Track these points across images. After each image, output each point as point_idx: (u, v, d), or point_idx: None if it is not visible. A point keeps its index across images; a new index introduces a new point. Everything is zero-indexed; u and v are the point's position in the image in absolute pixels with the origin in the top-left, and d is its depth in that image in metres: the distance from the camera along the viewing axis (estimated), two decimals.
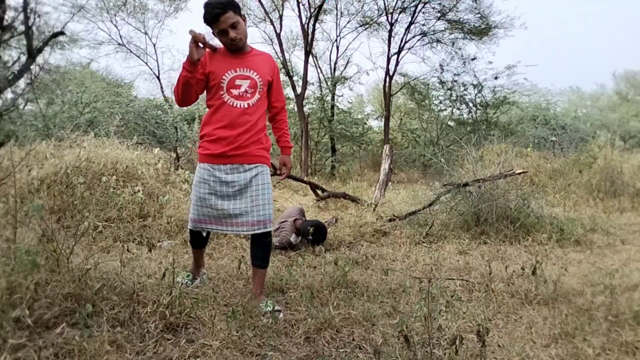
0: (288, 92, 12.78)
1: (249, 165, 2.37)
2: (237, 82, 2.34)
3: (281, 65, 12.21)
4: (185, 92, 2.30)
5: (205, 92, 2.45)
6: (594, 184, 6.82)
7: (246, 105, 2.34)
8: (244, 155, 2.35)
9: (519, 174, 4.78)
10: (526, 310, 2.35)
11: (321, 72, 14.26)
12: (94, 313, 1.90)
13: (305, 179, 6.98)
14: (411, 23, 12.98)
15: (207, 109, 2.45)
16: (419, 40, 13.54)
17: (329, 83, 13.81)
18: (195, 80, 2.27)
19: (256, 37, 17.14)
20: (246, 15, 12.79)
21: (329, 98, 13.59)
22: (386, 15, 12.93)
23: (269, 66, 2.47)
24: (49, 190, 3.86)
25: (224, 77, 2.32)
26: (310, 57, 12.93)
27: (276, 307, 2.29)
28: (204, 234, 2.58)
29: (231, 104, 2.33)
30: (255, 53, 2.45)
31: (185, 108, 15.61)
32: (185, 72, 2.22)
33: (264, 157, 2.43)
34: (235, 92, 2.33)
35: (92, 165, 4.35)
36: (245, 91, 2.34)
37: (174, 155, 7.60)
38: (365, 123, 15.02)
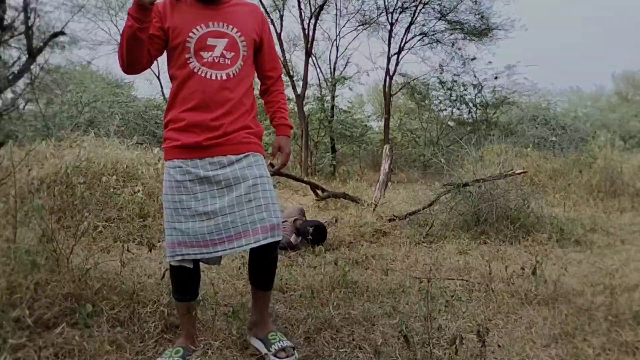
0: (288, 92, 12.80)
1: (236, 156, 1.72)
2: (210, 41, 1.68)
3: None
4: (133, 51, 1.61)
5: (166, 57, 1.78)
6: (594, 184, 6.82)
7: (225, 76, 1.70)
8: (226, 144, 1.71)
9: (519, 174, 4.78)
10: (526, 310, 2.35)
11: (321, 72, 14.27)
12: (94, 313, 1.90)
13: (305, 179, 6.98)
14: (411, 23, 12.99)
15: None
16: (419, 40, 13.55)
17: (328, 83, 13.82)
18: (146, 34, 1.60)
19: None
20: None
21: (328, 98, 13.59)
22: (386, 15, 12.93)
23: (256, 20, 1.81)
24: (49, 190, 3.86)
25: (190, 34, 1.67)
26: (310, 57, 12.94)
27: (289, 343, 1.81)
28: (194, 268, 1.78)
29: (203, 74, 1.67)
30: (236, 2, 1.79)
31: None
32: (132, 20, 1.54)
33: (254, 143, 1.78)
34: (207, 56, 1.68)
35: (92, 165, 4.35)
36: (222, 55, 1.69)
37: None
38: (365, 125, 15.04)
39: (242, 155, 1.73)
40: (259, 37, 1.82)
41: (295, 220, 4.02)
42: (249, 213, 1.69)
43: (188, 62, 1.69)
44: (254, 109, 1.82)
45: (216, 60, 1.70)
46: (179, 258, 1.70)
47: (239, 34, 1.73)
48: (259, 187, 1.72)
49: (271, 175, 1.88)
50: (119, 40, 1.64)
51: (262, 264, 1.81)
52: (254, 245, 1.68)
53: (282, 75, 2.08)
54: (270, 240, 1.69)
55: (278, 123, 1.93)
